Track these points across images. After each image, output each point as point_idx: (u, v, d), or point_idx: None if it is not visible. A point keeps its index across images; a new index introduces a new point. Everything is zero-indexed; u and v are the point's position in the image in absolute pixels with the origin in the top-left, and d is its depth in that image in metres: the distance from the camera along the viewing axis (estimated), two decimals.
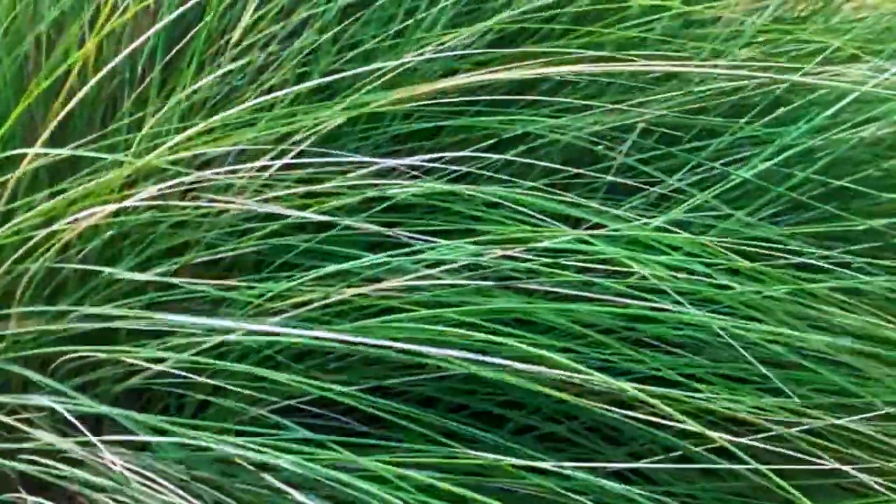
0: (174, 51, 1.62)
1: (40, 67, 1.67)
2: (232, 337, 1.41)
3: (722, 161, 1.64)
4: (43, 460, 1.45)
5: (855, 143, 1.61)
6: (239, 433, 1.41)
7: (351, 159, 1.50)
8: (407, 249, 1.41)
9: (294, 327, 1.40)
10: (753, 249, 1.44)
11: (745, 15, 1.76)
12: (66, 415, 1.42)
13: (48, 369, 1.52)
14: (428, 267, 1.41)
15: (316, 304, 1.42)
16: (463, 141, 1.62)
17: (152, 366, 1.44)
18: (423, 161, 1.50)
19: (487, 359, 1.31)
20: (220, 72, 1.56)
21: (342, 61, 1.63)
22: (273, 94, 1.53)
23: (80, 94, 1.56)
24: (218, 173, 1.50)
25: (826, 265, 1.49)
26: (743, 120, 1.67)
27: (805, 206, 1.60)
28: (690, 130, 1.69)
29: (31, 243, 1.51)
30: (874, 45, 1.71)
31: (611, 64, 1.60)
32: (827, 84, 1.59)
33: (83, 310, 1.50)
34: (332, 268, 1.44)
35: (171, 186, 1.47)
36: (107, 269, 1.50)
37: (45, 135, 1.55)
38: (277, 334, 1.40)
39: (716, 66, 1.66)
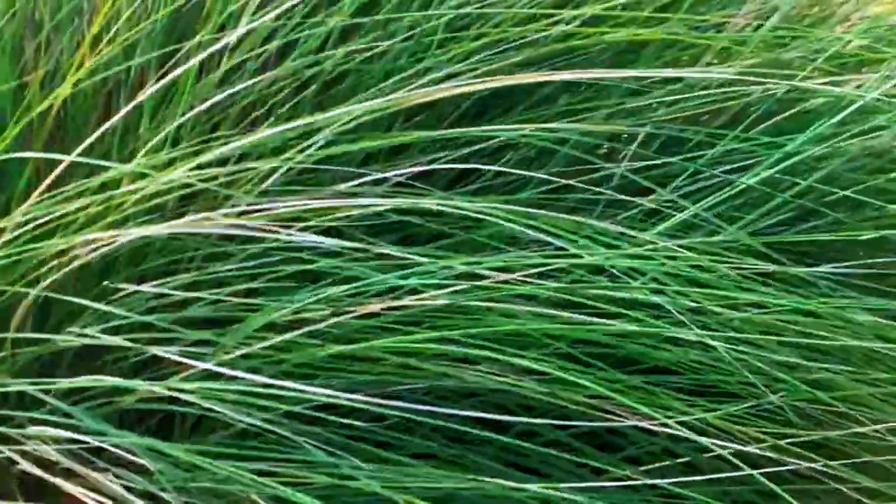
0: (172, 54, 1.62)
1: (37, 65, 1.67)
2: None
3: (723, 169, 1.63)
4: (40, 474, 1.45)
5: (859, 152, 1.59)
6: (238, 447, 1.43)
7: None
8: (403, 272, 1.40)
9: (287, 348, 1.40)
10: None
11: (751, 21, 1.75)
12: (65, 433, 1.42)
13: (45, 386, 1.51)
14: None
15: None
16: (460, 148, 1.61)
17: (146, 386, 1.43)
18: (414, 170, 1.50)
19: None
20: (215, 99, 1.56)
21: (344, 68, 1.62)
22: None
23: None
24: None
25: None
26: (741, 127, 1.66)
27: (811, 214, 1.59)
28: (694, 136, 1.68)
29: (28, 266, 1.50)
30: (879, 54, 1.68)
31: (606, 72, 1.60)
32: (830, 91, 1.58)
33: (74, 339, 1.49)
34: (324, 293, 1.43)
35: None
36: (98, 306, 1.49)
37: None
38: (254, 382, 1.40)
39: (729, 66, 1.65)
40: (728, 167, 1.63)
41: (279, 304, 1.42)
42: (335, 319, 1.36)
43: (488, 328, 1.37)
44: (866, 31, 1.69)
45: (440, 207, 1.39)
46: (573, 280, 1.40)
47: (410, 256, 1.37)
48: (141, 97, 1.55)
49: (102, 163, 1.50)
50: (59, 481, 1.43)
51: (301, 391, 1.33)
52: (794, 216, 1.61)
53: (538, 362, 1.37)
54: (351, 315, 1.36)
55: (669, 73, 1.66)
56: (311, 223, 1.42)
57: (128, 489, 1.39)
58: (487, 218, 1.40)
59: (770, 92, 1.64)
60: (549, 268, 1.40)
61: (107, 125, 1.56)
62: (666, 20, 1.64)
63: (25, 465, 1.45)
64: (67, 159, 1.49)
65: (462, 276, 1.38)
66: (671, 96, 1.65)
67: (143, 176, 1.48)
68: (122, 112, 1.55)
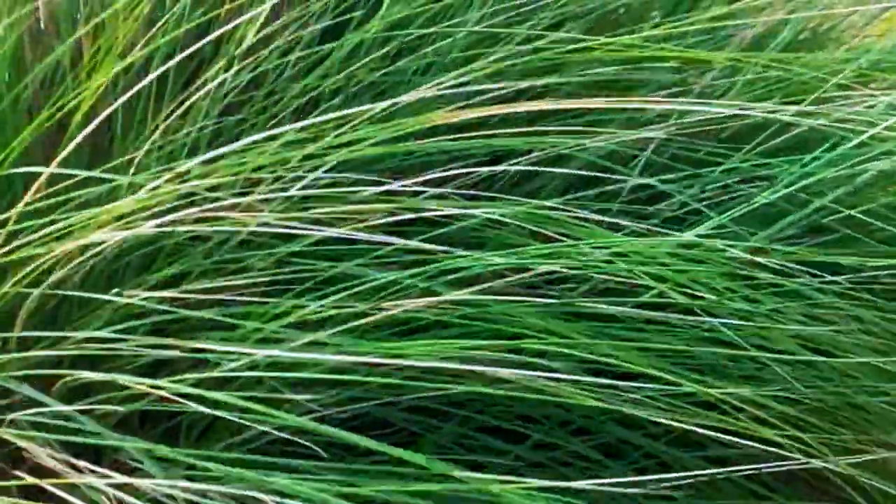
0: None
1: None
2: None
3: (719, 184, 1.64)
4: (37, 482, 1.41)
5: (873, 176, 1.60)
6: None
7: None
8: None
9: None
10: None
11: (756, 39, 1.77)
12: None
13: (50, 389, 1.48)
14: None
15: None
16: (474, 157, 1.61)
17: (156, 391, 1.39)
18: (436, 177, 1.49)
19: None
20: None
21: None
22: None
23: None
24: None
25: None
26: (750, 145, 1.67)
27: (818, 231, 1.60)
28: (694, 153, 1.69)
29: (32, 266, 1.47)
30: (882, 73, 1.71)
31: (611, 101, 1.60)
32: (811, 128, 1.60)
33: (83, 334, 1.46)
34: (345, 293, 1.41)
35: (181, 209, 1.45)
36: (110, 297, 1.46)
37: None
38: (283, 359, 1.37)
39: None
40: (726, 182, 1.65)
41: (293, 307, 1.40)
42: (378, 317, 1.34)
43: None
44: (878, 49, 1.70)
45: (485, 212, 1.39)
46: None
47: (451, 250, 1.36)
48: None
49: (110, 176, 1.49)
50: (56, 491, 1.40)
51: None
52: (800, 232, 1.62)
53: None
54: (402, 307, 1.34)
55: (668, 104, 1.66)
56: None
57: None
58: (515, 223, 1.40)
59: (775, 113, 1.65)
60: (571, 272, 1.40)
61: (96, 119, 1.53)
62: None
63: (23, 474, 1.42)
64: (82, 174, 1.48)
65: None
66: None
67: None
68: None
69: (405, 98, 1.48)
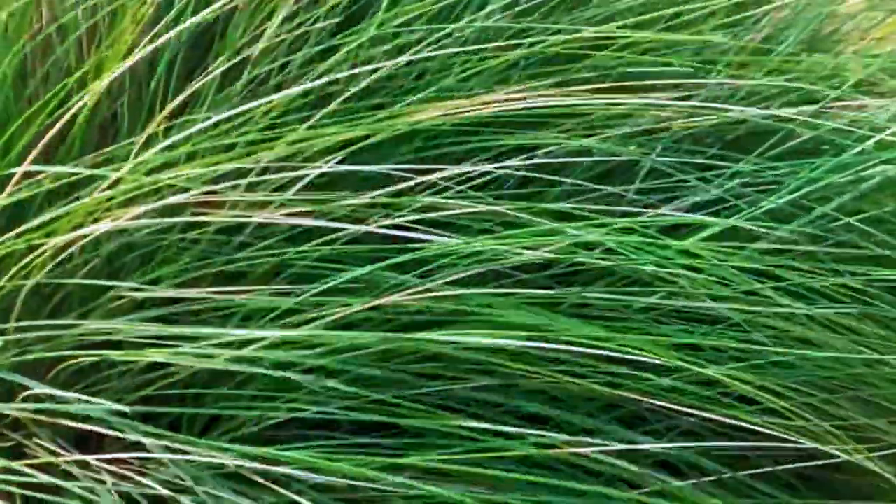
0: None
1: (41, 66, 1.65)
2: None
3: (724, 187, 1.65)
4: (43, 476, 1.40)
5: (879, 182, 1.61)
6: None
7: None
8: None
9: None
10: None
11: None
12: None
13: (46, 377, 1.47)
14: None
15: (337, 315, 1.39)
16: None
17: (167, 360, 1.38)
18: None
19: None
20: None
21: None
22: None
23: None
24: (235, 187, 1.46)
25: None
26: (756, 151, 1.68)
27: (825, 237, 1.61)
28: (693, 158, 1.69)
29: (28, 258, 1.46)
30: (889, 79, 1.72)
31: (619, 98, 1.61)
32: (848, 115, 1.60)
33: (84, 324, 1.45)
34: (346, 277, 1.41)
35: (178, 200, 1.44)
36: (109, 283, 1.46)
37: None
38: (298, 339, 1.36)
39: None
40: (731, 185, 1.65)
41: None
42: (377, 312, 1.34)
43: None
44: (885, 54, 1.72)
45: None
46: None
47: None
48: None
49: (85, 171, 1.48)
50: (57, 480, 1.39)
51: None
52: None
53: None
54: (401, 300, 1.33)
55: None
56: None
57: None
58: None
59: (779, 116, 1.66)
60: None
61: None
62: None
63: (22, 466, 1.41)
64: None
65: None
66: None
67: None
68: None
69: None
